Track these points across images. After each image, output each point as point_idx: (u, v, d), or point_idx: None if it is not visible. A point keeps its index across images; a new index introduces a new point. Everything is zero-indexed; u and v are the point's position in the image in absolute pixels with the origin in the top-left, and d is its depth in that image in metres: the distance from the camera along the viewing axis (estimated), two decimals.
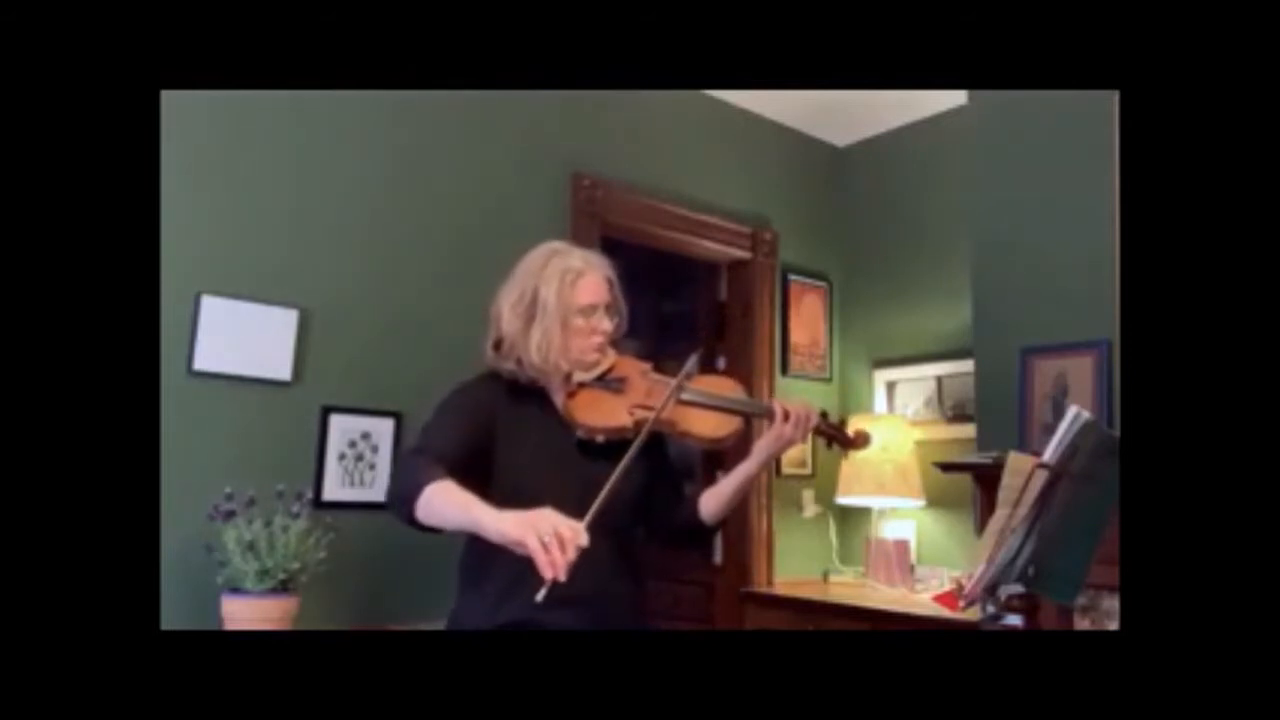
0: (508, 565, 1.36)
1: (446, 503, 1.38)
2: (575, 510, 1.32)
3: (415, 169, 2.70)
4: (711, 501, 1.71)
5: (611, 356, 1.66)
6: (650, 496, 1.68)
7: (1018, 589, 1.50)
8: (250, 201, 2.39)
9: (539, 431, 1.60)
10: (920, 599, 3.08)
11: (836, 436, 1.80)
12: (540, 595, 1.20)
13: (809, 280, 3.82)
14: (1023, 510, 1.41)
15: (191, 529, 2.12)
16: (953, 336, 3.36)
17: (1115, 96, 2.28)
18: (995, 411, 2.70)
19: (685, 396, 1.62)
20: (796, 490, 3.66)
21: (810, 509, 3.69)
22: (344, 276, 2.53)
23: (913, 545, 3.37)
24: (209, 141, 2.33)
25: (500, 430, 1.58)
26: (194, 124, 2.28)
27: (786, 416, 1.65)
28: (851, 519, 3.69)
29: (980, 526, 2.53)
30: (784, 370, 3.69)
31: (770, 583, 3.49)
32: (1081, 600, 2.31)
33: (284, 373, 2.39)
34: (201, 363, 2.26)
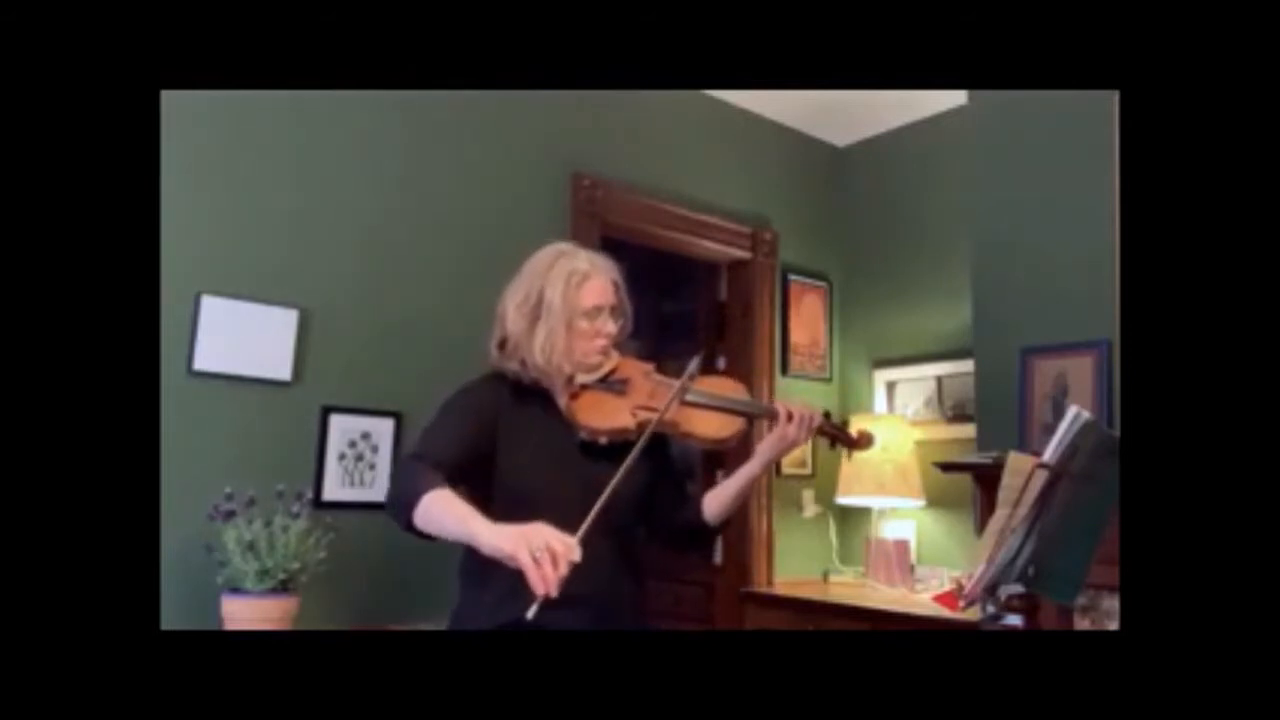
0: (508, 568, 1.36)
1: (444, 513, 1.38)
2: (577, 511, 1.32)
3: (415, 169, 2.70)
4: (714, 502, 1.71)
5: (615, 358, 1.66)
6: (653, 497, 1.68)
7: (1018, 589, 1.50)
8: (250, 201, 2.39)
9: (541, 432, 1.60)
10: (920, 599, 3.08)
11: (839, 437, 1.80)
12: (531, 612, 1.21)
13: (809, 280, 3.82)
14: (1023, 510, 1.41)
15: (191, 529, 2.12)
16: (953, 336, 3.36)
17: (1115, 96, 2.28)
18: (995, 411, 2.70)
19: (688, 398, 1.63)
20: (796, 490, 3.66)
21: (810, 509, 3.69)
22: (344, 276, 2.53)
23: (913, 545, 3.37)
24: (209, 141, 2.33)
25: (503, 431, 1.58)
26: (194, 124, 2.28)
27: (790, 417, 1.65)
28: (851, 519, 3.69)
29: (980, 526, 2.53)
30: (784, 370, 3.69)
31: (770, 583, 3.50)
32: (1081, 600, 2.31)
33: (284, 373, 2.39)
34: (201, 363, 2.26)
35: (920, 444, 3.38)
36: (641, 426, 1.55)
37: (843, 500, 3.50)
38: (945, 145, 3.49)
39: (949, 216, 3.45)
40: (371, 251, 2.59)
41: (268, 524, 2.10)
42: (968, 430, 3.05)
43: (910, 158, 3.70)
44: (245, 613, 2.05)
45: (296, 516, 2.15)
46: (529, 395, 1.62)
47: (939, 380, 3.49)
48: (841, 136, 3.93)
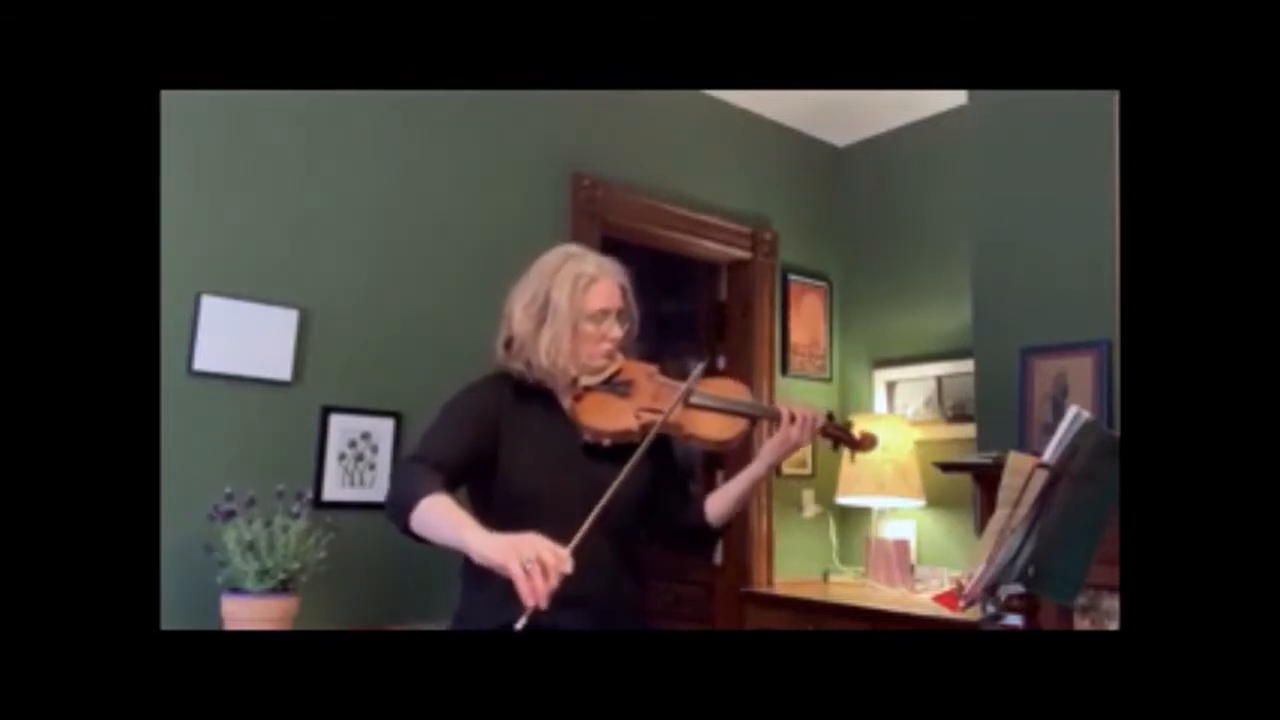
0: None
1: (439, 519, 1.39)
2: (580, 512, 1.33)
3: (415, 169, 2.70)
4: (717, 504, 1.71)
5: (619, 360, 1.66)
6: (655, 498, 1.68)
7: (1018, 589, 1.50)
8: (250, 201, 2.39)
9: (545, 433, 1.60)
10: (920, 599, 3.08)
11: (843, 438, 1.80)
12: (520, 623, 1.21)
13: (809, 280, 3.82)
14: (1023, 510, 1.41)
15: (191, 529, 2.12)
16: (953, 336, 3.36)
17: (1115, 96, 2.28)
18: (995, 411, 2.70)
19: (692, 400, 1.63)
20: (796, 490, 3.66)
21: (810, 509, 3.69)
22: (344, 276, 2.53)
23: (913, 545, 3.37)
24: (209, 141, 2.33)
25: (505, 432, 1.58)
26: (194, 124, 2.28)
27: (793, 419, 1.65)
28: (851, 519, 3.69)
29: (980, 526, 2.53)
30: (784, 370, 3.69)
31: (770, 583, 3.50)
32: (1081, 600, 2.31)
33: (284, 373, 2.39)
34: (201, 363, 2.26)
35: (920, 444, 3.38)
36: (645, 428, 1.55)
37: (843, 500, 3.50)
38: (945, 145, 3.49)
39: (949, 216, 3.45)
40: (371, 251, 2.59)
41: (268, 524, 2.10)
42: (968, 430, 3.04)
43: (910, 158, 3.70)
44: (245, 613, 2.05)
45: (296, 516, 2.15)
46: (533, 395, 1.62)
47: (939, 380, 3.49)
48: (841, 136, 3.93)
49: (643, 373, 1.67)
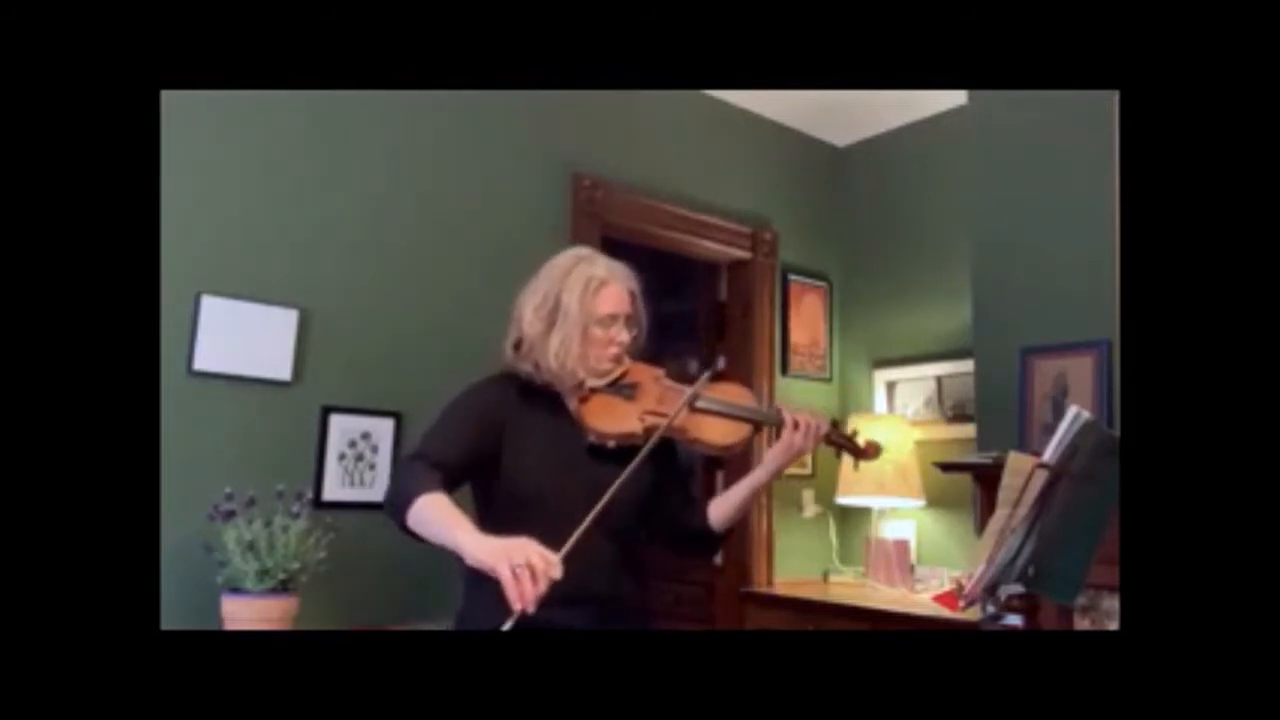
0: None
1: (434, 518, 1.39)
2: (582, 512, 1.33)
3: (415, 169, 2.70)
4: (720, 509, 1.71)
5: (625, 363, 1.66)
6: (658, 500, 1.68)
7: (1018, 589, 1.50)
8: (250, 201, 2.39)
9: (550, 434, 1.60)
10: (920, 599, 3.08)
11: (847, 447, 1.80)
12: (507, 625, 1.21)
13: (809, 280, 3.82)
14: (1023, 510, 1.41)
15: (191, 529, 2.12)
16: (953, 336, 3.36)
17: (1115, 96, 2.28)
18: (995, 411, 2.70)
19: (698, 404, 1.63)
20: (796, 490, 3.66)
21: (810, 509, 3.69)
22: (344, 276, 2.53)
23: (913, 545, 3.37)
24: (209, 141, 2.33)
25: (509, 432, 1.58)
26: (194, 124, 2.28)
27: (796, 426, 1.65)
28: (851, 519, 3.69)
29: (980, 526, 2.53)
30: (784, 370, 3.69)
31: (770, 583, 3.50)
32: (1081, 600, 2.31)
33: (284, 373, 2.39)
34: (201, 363, 2.26)
35: (920, 444, 3.38)
36: (649, 431, 1.56)
37: (843, 500, 3.50)
38: (945, 145, 3.49)
39: (949, 216, 3.45)
40: (371, 251, 2.59)
41: (268, 524, 2.10)
42: (968, 430, 3.04)
43: (910, 158, 3.70)
44: (245, 613, 2.05)
45: (296, 516, 2.15)
46: (539, 396, 1.62)
47: (939, 380, 3.49)
48: (841, 136, 3.93)
49: (649, 376, 1.67)
